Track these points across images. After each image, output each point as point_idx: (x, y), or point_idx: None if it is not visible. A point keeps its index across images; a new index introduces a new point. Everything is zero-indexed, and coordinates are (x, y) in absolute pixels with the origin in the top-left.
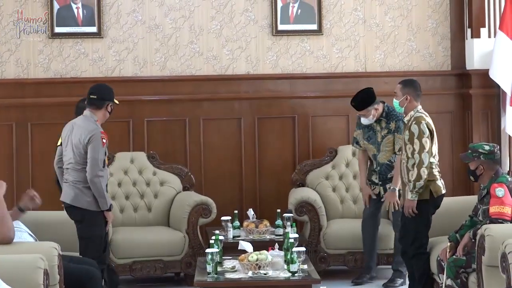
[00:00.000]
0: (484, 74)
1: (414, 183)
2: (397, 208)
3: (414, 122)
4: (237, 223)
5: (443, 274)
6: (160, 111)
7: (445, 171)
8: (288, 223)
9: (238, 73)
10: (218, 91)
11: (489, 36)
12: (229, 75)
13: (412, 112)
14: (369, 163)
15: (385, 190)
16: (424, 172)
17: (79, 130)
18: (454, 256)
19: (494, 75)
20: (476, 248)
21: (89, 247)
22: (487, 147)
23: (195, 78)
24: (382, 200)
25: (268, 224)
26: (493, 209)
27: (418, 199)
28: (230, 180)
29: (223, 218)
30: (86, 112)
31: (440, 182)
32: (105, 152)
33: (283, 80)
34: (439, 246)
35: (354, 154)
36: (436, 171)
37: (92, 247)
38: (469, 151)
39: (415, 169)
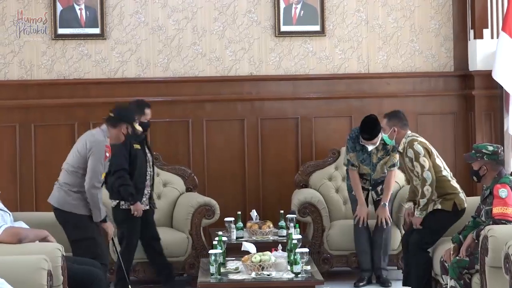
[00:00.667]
0: (487, 75)
1: (419, 201)
2: (389, 224)
3: (408, 147)
4: (240, 224)
5: (447, 275)
6: (163, 112)
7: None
8: (291, 224)
9: (241, 74)
10: (221, 92)
11: (492, 37)
12: (232, 76)
13: (403, 140)
14: None
15: (376, 193)
16: (428, 190)
17: (87, 137)
18: (457, 257)
19: (497, 76)
20: (479, 249)
21: (77, 250)
22: (491, 148)
23: (198, 79)
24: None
25: (271, 225)
26: (496, 210)
27: (440, 208)
28: (233, 181)
29: (226, 219)
30: (103, 126)
31: (462, 195)
32: (105, 166)
33: (286, 81)
34: (442, 247)
35: (343, 179)
36: (454, 183)
37: (80, 250)
38: (473, 151)
39: (420, 187)
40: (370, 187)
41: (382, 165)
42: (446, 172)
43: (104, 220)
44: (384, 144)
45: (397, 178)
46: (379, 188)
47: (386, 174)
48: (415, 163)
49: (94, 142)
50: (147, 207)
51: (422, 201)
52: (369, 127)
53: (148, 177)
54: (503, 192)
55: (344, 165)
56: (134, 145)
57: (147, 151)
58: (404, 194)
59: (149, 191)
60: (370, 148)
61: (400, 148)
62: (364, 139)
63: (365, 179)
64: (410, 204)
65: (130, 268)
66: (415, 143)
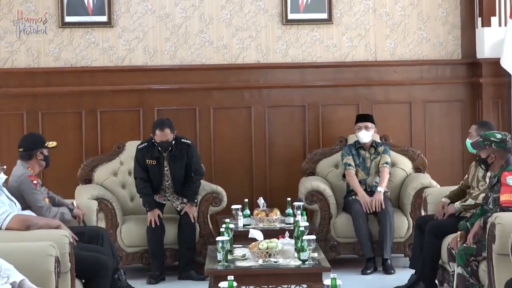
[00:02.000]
0: (494, 63)
1: (467, 198)
2: (383, 207)
3: None
4: (247, 211)
5: (454, 263)
6: (170, 100)
7: (456, 160)
8: (298, 212)
9: (248, 62)
10: (228, 80)
11: (500, 25)
12: (239, 64)
13: None
14: None
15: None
16: (483, 198)
17: (10, 182)
18: (464, 245)
19: (505, 64)
20: (486, 236)
21: None
22: (498, 136)
23: (205, 67)
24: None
25: (278, 213)
26: (503, 198)
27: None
28: (240, 169)
29: (234, 206)
30: (18, 162)
31: None
32: (41, 192)
33: (293, 69)
34: (450, 235)
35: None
36: None
37: None
38: (481, 139)
39: (479, 192)
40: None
41: (375, 166)
42: None
43: (73, 217)
44: (376, 148)
45: (404, 166)
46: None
47: (380, 172)
48: (489, 173)
49: (17, 179)
50: (164, 202)
51: (470, 201)
52: (363, 114)
53: (162, 190)
54: (510, 179)
55: (342, 173)
56: (148, 160)
57: (165, 168)
58: (410, 181)
59: (165, 201)
60: (363, 138)
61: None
62: (358, 122)
63: (361, 185)
64: (447, 200)
65: (151, 250)
66: None
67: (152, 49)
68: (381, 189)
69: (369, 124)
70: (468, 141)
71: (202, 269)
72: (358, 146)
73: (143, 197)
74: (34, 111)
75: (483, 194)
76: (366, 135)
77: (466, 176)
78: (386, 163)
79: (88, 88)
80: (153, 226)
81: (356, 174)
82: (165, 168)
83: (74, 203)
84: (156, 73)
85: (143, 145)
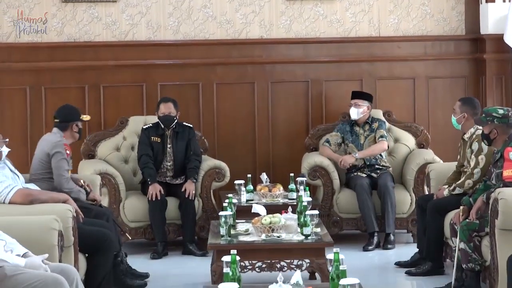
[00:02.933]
0: (498, 39)
1: (455, 187)
2: (345, 166)
3: (476, 140)
4: (250, 187)
5: (456, 238)
6: (174, 75)
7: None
8: (301, 187)
9: (252, 38)
10: (231, 56)
11: (504, 0)
12: (243, 39)
13: (472, 129)
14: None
15: (375, 174)
16: (469, 184)
17: (43, 144)
18: (467, 220)
19: (509, 40)
20: (489, 211)
21: None
22: (501, 111)
23: (209, 42)
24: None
25: (281, 188)
26: (506, 173)
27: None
28: (243, 144)
29: (237, 182)
30: (54, 129)
31: None
32: (69, 163)
33: (296, 44)
34: (452, 211)
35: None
36: None
37: None
38: (483, 115)
39: (464, 178)
40: (366, 170)
41: (369, 143)
42: None
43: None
44: (370, 125)
45: (407, 141)
46: (375, 167)
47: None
48: (473, 156)
49: (52, 144)
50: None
51: (458, 190)
52: (356, 91)
53: (163, 169)
54: None
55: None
56: (153, 137)
57: (168, 146)
58: (413, 157)
59: (165, 180)
60: (352, 115)
61: (466, 137)
62: (352, 98)
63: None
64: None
65: (154, 225)
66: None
67: (155, 24)
68: (356, 155)
69: (360, 101)
70: (454, 118)
71: (205, 244)
72: (353, 122)
73: (146, 171)
74: (37, 86)
75: (469, 181)
76: (355, 112)
77: (458, 156)
78: (382, 136)
79: (91, 63)
80: (154, 199)
81: (349, 149)
82: (168, 146)
83: (82, 181)
84: (159, 48)
85: (148, 125)
